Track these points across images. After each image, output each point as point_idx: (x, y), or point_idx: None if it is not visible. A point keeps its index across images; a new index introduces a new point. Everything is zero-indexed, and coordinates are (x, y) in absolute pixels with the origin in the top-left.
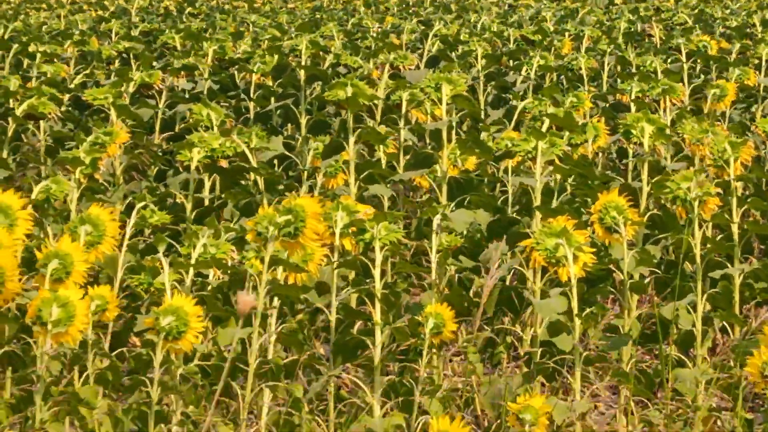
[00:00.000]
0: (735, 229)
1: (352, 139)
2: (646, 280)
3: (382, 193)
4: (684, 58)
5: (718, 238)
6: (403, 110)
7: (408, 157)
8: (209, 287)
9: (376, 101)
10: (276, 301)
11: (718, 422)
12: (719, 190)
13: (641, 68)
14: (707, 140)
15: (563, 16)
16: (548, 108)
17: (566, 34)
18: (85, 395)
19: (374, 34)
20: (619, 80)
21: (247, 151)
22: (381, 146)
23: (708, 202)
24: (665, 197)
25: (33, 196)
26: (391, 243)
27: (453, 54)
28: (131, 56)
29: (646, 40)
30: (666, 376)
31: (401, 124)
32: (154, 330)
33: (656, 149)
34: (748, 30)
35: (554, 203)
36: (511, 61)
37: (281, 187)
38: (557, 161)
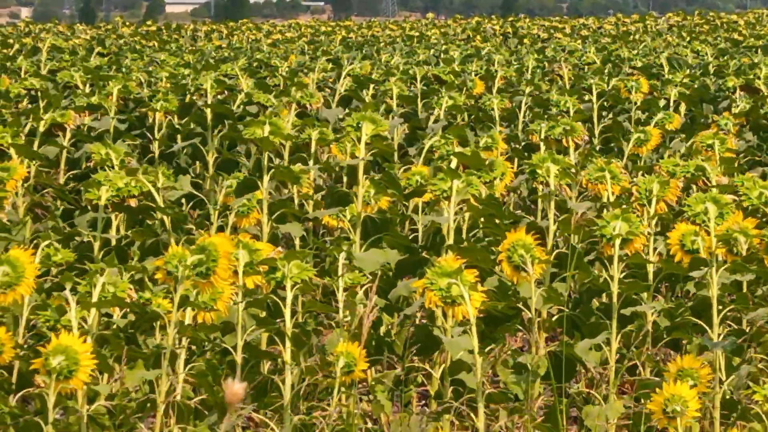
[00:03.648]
0: (650, 268)
1: (266, 178)
2: (554, 318)
3: (294, 232)
4: (594, 99)
5: (624, 275)
6: (313, 149)
7: (318, 195)
8: (114, 326)
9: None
10: (185, 341)
11: None
12: (649, 229)
13: (556, 108)
14: (608, 177)
15: (469, 55)
16: (455, 147)
17: (474, 74)
18: None
19: (283, 73)
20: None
21: (153, 191)
22: (294, 185)
23: (634, 241)
24: (589, 234)
25: None
26: (302, 281)
27: (364, 93)
28: (39, 94)
29: (559, 81)
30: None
31: (311, 162)
32: (44, 370)
33: (563, 188)
34: (654, 70)
35: (464, 242)
36: (423, 101)
37: (189, 226)
38: (472, 200)
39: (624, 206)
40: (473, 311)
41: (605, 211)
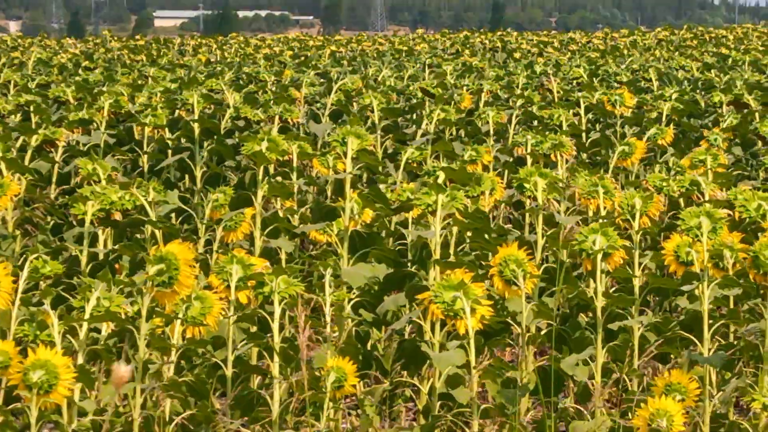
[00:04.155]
0: (636, 282)
1: (260, 193)
2: (543, 332)
3: (285, 247)
4: (582, 112)
5: (613, 289)
6: (294, 163)
7: (303, 209)
8: (103, 341)
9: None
10: (174, 355)
11: None
12: (626, 243)
13: (547, 122)
14: (600, 192)
15: (463, 71)
16: (432, 160)
17: (465, 88)
18: None
19: (272, 87)
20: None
21: (146, 205)
22: (278, 200)
23: (614, 255)
24: (566, 249)
25: None
26: (290, 296)
27: (354, 107)
28: (31, 109)
29: (543, 95)
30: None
31: (294, 177)
32: (23, 386)
33: (551, 202)
34: (642, 84)
35: (452, 256)
36: (410, 115)
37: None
38: (457, 214)
39: (603, 220)
40: (475, 324)
41: None
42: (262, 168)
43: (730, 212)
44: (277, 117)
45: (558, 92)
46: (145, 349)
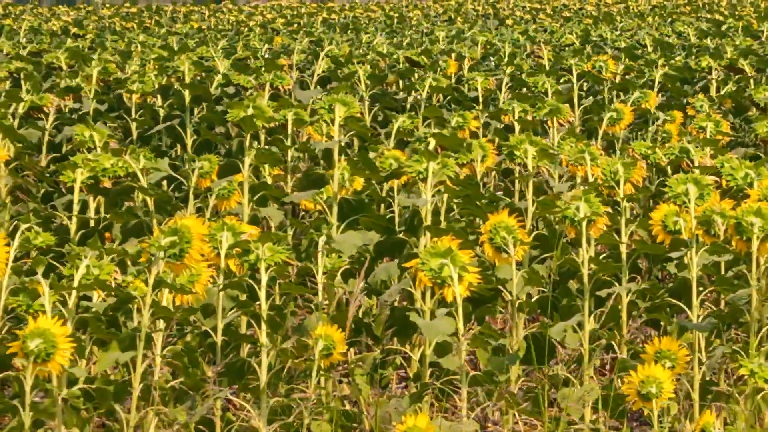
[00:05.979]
0: (623, 249)
1: (247, 161)
2: (533, 300)
3: (273, 215)
4: (575, 79)
5: (602, 256)
6: (289, 130)
7: (296, 177)
8: (93, 309)
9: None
10: (162, 323)
11: None
12: (608, 209)
13: (533, 89)
14: (587, 159)
15: (453, 36)
16: (422, 127)
17: (452, 55)
18: None
19: (264, 54)
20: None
21: (138, 172)
22: (267, 167)
23: (597, 222)
24: (554, 216)
25: None
26: (276, 264)
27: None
28: (21, 77)
29: (535, 62)
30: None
31: (288, 143)
32: (21, 353)
33: (541, 169)
34: (636, 51)
35: (442, 223)
36: (401, 82)
37: (169, 207)
38: (448, 181)
39: (585, 188)
40: (463, 292)
41: None
42: (249, 135)
43: (718, 180)
44: (267, 84)
45: (549, 59)
46: (150, 318)
